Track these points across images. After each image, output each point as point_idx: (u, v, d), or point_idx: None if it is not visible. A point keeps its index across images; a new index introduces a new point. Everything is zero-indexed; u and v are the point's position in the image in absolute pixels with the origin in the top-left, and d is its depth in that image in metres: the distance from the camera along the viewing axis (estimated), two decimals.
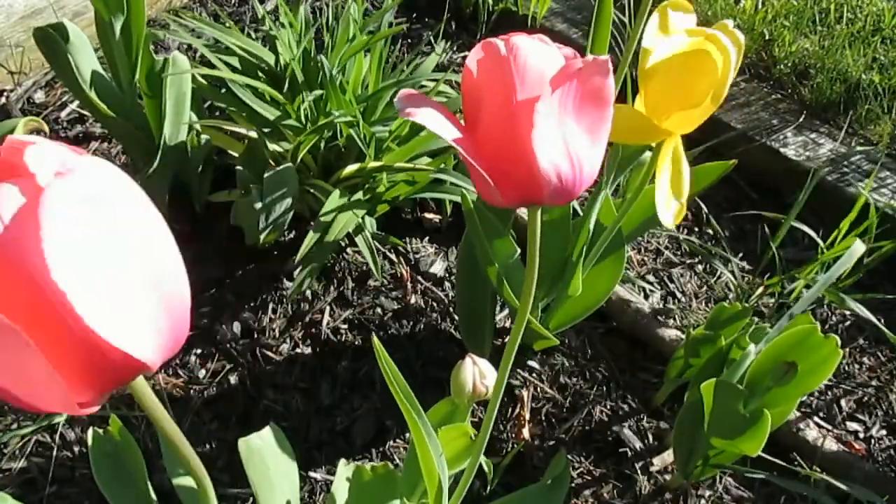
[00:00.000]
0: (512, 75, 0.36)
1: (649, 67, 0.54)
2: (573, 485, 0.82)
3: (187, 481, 0.62)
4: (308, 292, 0.96)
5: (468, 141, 0.38)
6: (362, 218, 0.93)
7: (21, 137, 0.27)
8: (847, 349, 0.96)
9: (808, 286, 0.90)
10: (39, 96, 1.21)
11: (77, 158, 0.27)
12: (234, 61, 1.02)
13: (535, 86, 0.36)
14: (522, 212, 1.01)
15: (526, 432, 0.85)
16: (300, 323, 0.94)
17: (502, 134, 0.37)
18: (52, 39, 0.89)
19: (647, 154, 0.74)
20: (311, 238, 0.89)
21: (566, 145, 0.37)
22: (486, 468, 0.70)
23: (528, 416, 0.87)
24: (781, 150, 1.11)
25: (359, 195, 0.95)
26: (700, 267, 1.04)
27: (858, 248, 0.76)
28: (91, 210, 0.27)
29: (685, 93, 0.53)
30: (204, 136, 1.00)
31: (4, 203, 0.25)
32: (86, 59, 0.92)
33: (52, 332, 0.27)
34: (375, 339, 0.49)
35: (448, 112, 0.38)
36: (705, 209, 1.07)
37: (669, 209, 0.55)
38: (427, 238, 1.04)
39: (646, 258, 1.04)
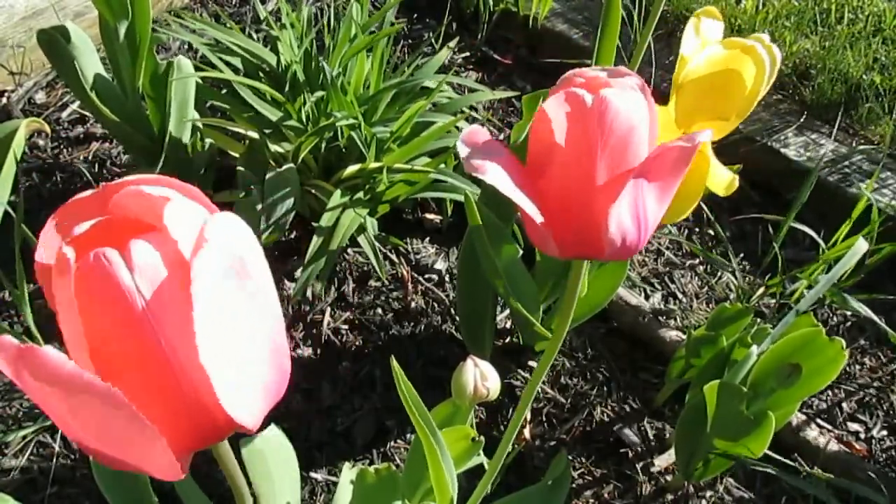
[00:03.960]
0: (596, 135, 0.34)
1: (683, 79, 0.53)
2: (574, 485, 0.82)
3: (188, 482, 0.62)
4: (309, 293, 0.96)
5: (530, 188, 0.36)
6: (364, 219, 0.93)
7: (145, 188, 0.26)
8: (848, 350, 0.95)
9: (809, 286, 0.90)
10: (40, 97, 1.21)
11: (211, 218, 0.26)
12: (236, 62, 1.01)
13: (619, 144, 0.34)
14: None
15: (527, 433, 0.85)
16: (301, 323, 0.94)
17: (574, 191, 0.35)
18: (56, 43, 0.89)
19: None
20: (315, 243, 0.90)
21: (637, 211, 0.36)
22: (486, 468, 0.69)
23: (528, 417, 0.87)
24: (782, 150, 1.11)
25: (360, 195, 0.95)
26: (701, 268, 1.04)
27: (861, 246, 0.75)
28: (230, 281, 0.26)
29: (714, 107, 0.53)
30: (208, 140, 1.00)
31: (143, 269, 0.25)
32: (89, 62, 0.92)
33: (161, 396, 0.26)
34: (395, 363, 0.48)
35: (512, 157, 0.36)
36: (706, 210, 1.06)
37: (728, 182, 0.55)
38: (428, 238, 1.04)
39: (647, 259, 1.04)
